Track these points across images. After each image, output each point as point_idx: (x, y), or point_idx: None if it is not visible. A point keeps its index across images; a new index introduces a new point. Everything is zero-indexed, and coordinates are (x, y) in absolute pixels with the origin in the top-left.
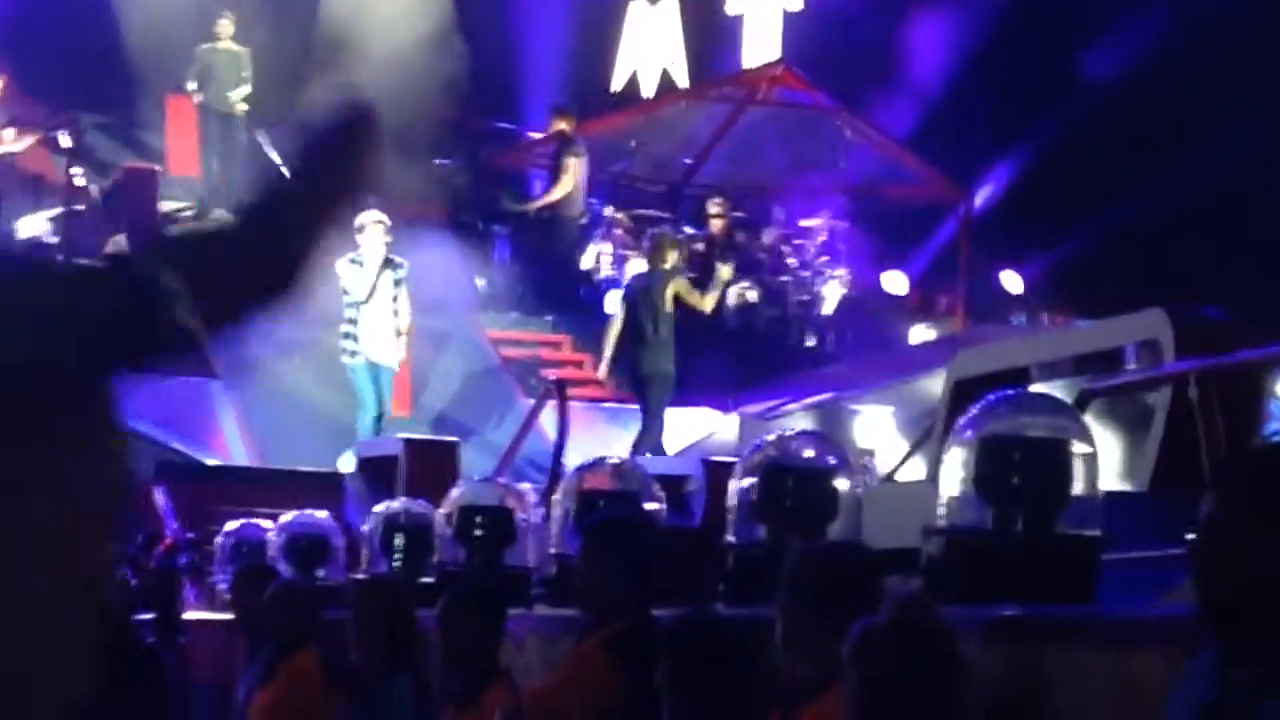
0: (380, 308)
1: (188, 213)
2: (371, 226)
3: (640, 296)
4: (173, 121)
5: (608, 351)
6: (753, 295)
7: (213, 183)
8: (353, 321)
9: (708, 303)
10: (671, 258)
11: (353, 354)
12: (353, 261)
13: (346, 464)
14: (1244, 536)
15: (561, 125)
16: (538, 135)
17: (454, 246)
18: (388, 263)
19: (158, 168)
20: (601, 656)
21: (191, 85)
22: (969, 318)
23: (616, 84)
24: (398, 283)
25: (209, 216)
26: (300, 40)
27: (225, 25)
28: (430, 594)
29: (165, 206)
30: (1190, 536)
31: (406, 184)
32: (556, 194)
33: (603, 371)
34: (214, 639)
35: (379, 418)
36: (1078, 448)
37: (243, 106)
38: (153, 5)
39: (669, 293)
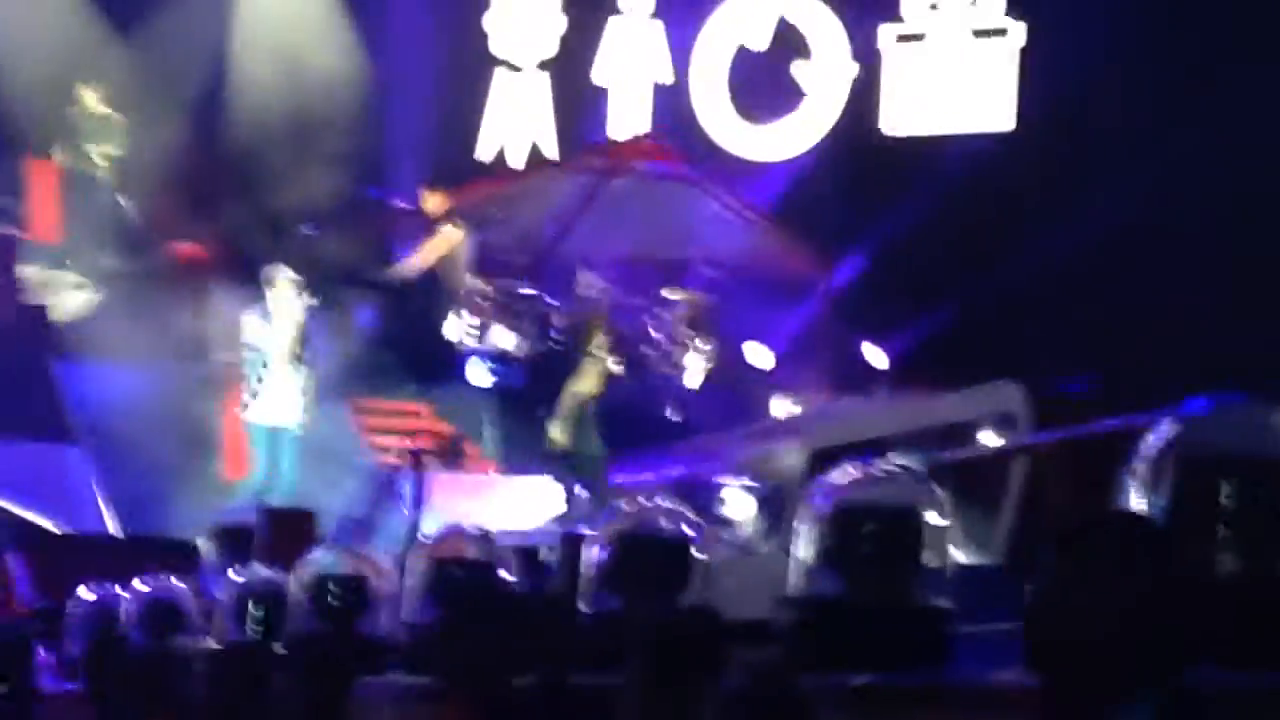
0: (286, 370)
1: (48, 290)
2: (281, 281)
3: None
4: (35, 186)
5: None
6: (616, 368)
7: (73, 246)
8: (254, 378)
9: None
10: (596, 339)
11: (251, 415)
12: (262, 317)
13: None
14: (1073, 595)
15: (436, 200)
16: (404, 205)
17: (316, 313)
18: (297, 318)
19: (16, 232)
20: None
21: (56, 150)
22: (832, 391)
23: (485, 154)
24: (306, 342)
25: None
26: (175, 107)
27: (87, 94)
28: (284, 662)
29: (25, 271)
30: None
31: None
32: (428, 258)
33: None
34: (67, 709)
35: (266, 485)
36: (930, 518)
37: (104, 165)
38: (9, 68)
39: (589, 372)
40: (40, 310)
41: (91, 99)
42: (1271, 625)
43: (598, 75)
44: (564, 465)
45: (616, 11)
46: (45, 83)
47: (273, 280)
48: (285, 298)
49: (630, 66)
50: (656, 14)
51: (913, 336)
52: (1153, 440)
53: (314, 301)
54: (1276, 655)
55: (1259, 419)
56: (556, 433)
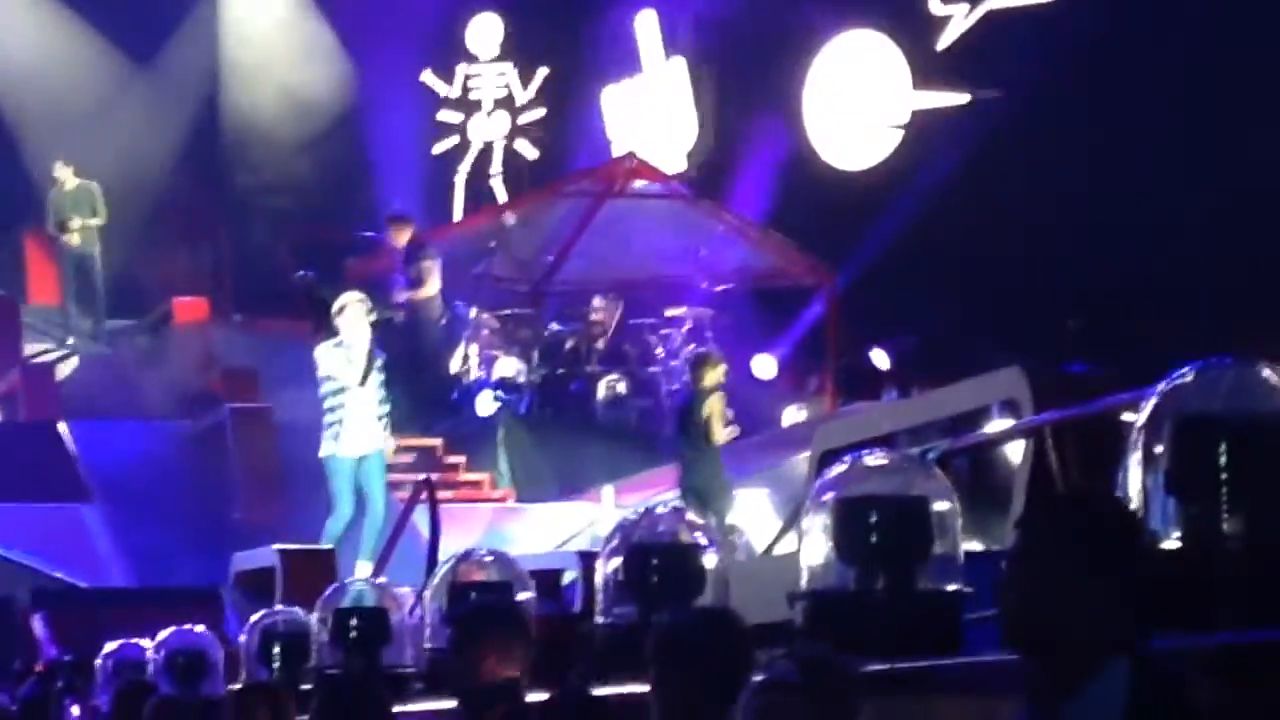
0: (368, 395)
1: (53, 353)
2: (352, 307)
3: (681, 414)
4: (32, 256)
5: None
6: (622, 388)
7: (73, 325)
8: (336, 409)
9: (719, 435)
10: (710, 376)
11: (334, 450)
12: (336, 346)
13: (362, 570)
14: (1039, 571)
15: (406, 232)
16: (374, 236)
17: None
18: (370, 344)
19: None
20: None
21: (50, 229)
22: (839, 396)
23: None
24: (383, 368)
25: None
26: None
27: (60, 169)
28: (309, 699)
29: (31, 348)
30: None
31: (268, 297)
32: (423, 292)
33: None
34: None
35: (367, 512)
36: (936, 505)
37: (85, 236)
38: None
39: (705, 410)
40: (46, 373)
41: (66, 173)
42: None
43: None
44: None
45: None
46: (36, 158)
47: (343, 306)
48: (357, 322)
49: None
50: None
51: (918, 336)
52: (1148, 409)
53: (375, 318)
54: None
55: (1248, 377)
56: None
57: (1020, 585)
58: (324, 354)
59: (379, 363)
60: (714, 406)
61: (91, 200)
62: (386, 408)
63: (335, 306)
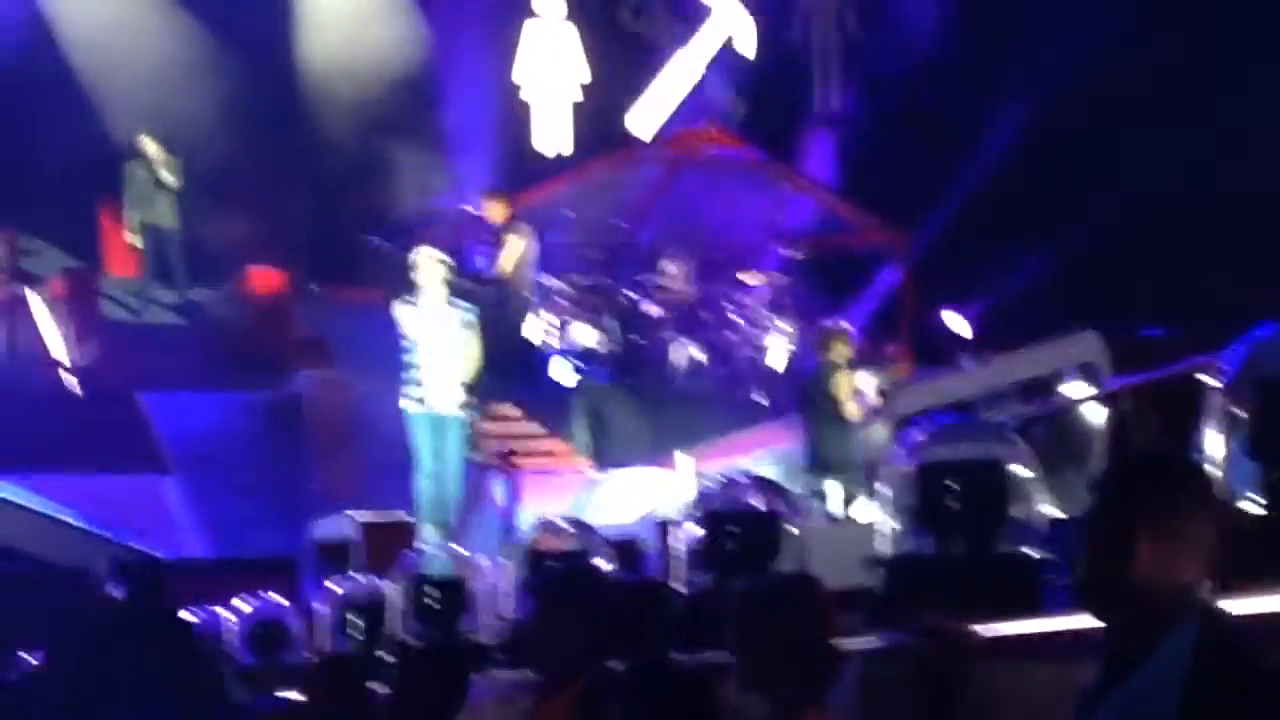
0: (442, 352)
1: (131, 325)
2: (424, 263)
3: (811, 389)
4: (108, 228)
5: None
6: (700, 354)
7: (152, 296)
8: (412, 367)
9: (852, 411)
10: (839, 351)
11: (417, 401)
12: (406, 302)
13: (429, 535)
14: (1107, 535)
15: (502, 207)
16: (472, 210)
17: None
18: (453, 304)
19: (96, 271)
20: (571, 711)
21: (129, 200)
22: (916, 362)
23: (544, 150)
24: (467, 325)
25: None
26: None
27: (148, 142)
28: (388, 668)
29: (108, 320)
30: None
31: (344, 266)
32: (518, 266)
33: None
34: None
35: (435, 474)
36: (1014, 469)
37: (164, 208)
38: (76, 117)
39: (835, 385)
40: (124, 344)
41: (152, 147)
42: None
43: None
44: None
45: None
46: (107, 127)
47: (417, 263)
48: (429, 277)
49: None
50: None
51: (995, 301)
52: (1226, 371)
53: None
54: None
55: None
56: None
57: (1093, 547)
58: (400, 311)
59: (460, 319)
60: (845, 381)
61: (171, 171)
62: (470, 367)
63: (410, 260)
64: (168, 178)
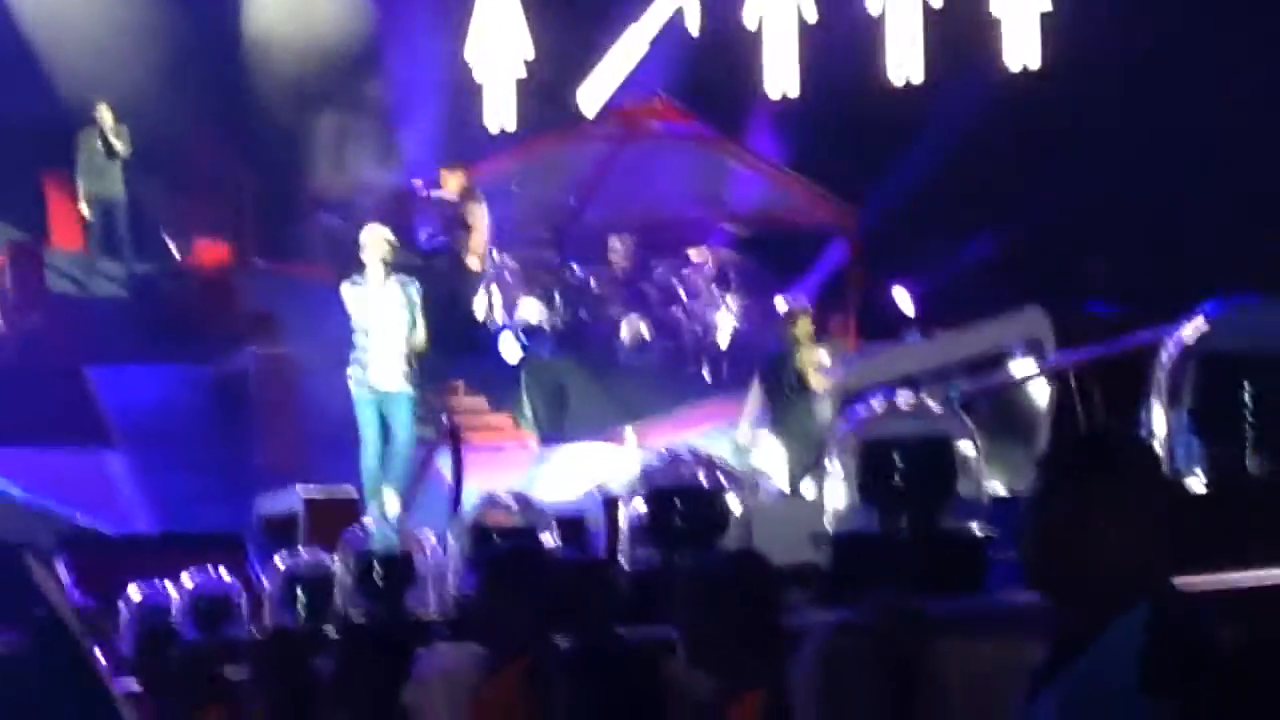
0: (386, 330)
1: (76, 298)
2: (370, 242)
3: (777, 365)
4: (53, 199)
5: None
6: (645, 330)
7: (97, 268)
8: (358, 346)
9: (818, 383)
10: (803, 326)
11: (357, 383)
12: (353, 283)
13: (390, 500)
14: (1059, 512)
15: (458, 179)
16: (419, 184)
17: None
18: (396, 281)
19: (41, 243)
20: (521, 685)
21: (80, 178)
22: (862, 338)
23: (492, 126)
24: (410, 301)
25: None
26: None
27: (104, 112)
28: (334, 644)
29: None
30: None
31: (293, 242)
32: (474, 239)
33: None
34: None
35: (383, 453)
36: (959, 446)
37: (111, 179)
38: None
39: (802, 359)
40: (69, 317)
41: (108, 116)
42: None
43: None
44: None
45: None
46: (54, 95)
47: (365, 243)
48: (373, 258)
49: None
50: None
51: (941, 278)
52: (1172, 347)
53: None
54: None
55: (1272, 315)
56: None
57: (1041, 526)
58: (346, 291)
59: (403, 295)
60: (809, 356)
61: (123, 141)
62: (415, 342)
63: (360, 240)
64: (121, 147)
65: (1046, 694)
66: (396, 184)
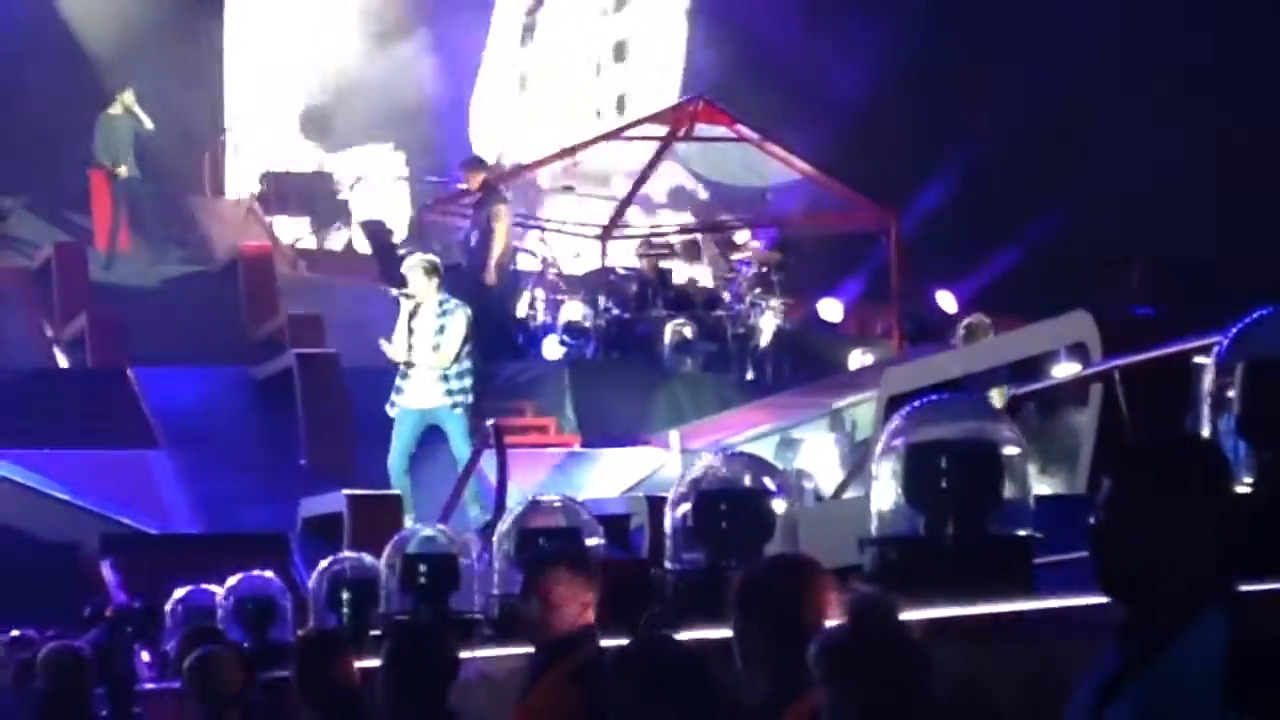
0: (421, 352)
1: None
2: (411, 272)
3: None
4: (98, 196)
5: None
6: (688, 332)
7: (138, 252)
8: (400, 365)
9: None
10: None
11: (399, 398)
12: (401, 297)
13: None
14: (1136, 516)
15: (481, 176)
16: (463, 186)
17: (386, 299)
18: (434, 303)
19: (87, 244)
20: (569, 687)
21: (100, 158)
22: (905, 340)
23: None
24: (441, 330)
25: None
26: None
27: (127, 96)
28: (378, 645)
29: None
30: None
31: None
32: (495, 238)
33: None
34: (167, 707)
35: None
36: (1005, 449)
37: (129, 170)
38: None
39: None
40: (114, 318)
41: (130, 99)
42: None
43: None
44: None
45: None
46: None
47: (409, 267)
48: (412, 285)
49: None
50: None
51: (985, 279)
52: (1218, 353)
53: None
54: None
55: None
56: None
57: (1115, 530)
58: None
59: (439, 320)
60: None
61: (138, 131)
62: (455, 369)
63: (405, 266)
64: (148, 125)
65: (1118, 706)
66: (441, 185)
